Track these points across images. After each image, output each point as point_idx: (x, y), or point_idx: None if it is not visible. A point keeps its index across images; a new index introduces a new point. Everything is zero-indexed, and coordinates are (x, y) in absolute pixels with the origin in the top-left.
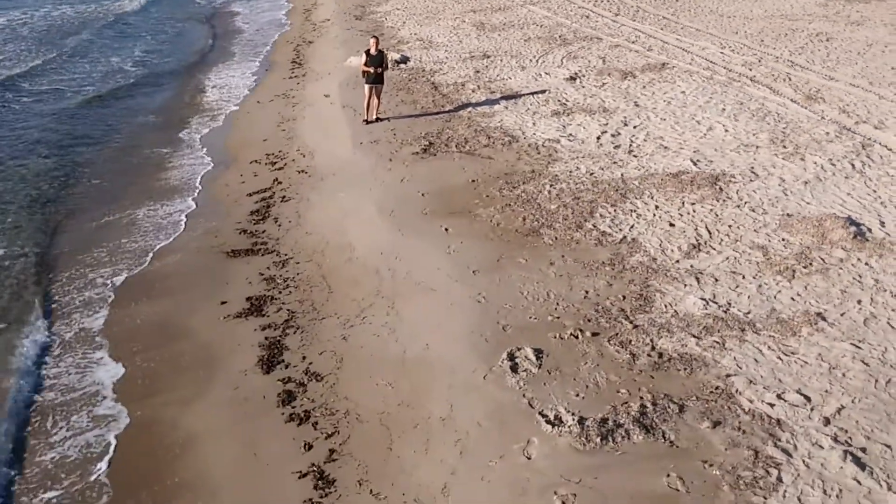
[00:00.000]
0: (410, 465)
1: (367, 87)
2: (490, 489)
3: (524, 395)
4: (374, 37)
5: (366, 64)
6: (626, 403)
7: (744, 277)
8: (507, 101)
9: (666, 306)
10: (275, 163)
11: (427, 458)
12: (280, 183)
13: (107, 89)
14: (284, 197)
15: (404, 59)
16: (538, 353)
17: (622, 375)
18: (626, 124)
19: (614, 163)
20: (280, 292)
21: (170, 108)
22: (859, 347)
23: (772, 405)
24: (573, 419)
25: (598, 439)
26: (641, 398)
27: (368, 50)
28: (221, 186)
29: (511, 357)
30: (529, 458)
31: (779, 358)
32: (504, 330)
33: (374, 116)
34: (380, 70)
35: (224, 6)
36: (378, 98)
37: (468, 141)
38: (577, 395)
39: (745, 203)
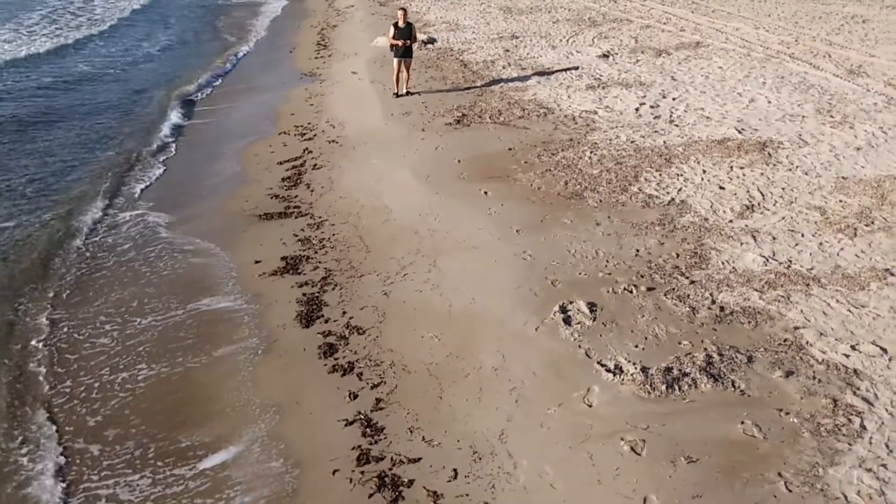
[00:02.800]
0: (463, 414)
1: (395, 60)
2: (550, 435)
3: (580, 346)
4: (402, 8)
5: (394, 37)
6: (689, 354)
7: (803, 235)
8: (539, 77)
9: (723, 263)
10: (304, 134)
11: (481, 406)
12: (311, 152)
13: (134, 71)
14: (316, 165)
15: (431, 41)
16: (591, 306)
17: (683, 328)
18: (664, 97)
19: (655, 131)
20: (316, 252)
21: (186, 81)
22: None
23: (847, 356)
24: (635, 368)
25: (664, 387)
26: (706, 349)
27: (396, 23)
28: (251, 156)
29: (563, 310)
30: (590, 406)
31: (849, 311)
32: (553, 285)
33: (405, 90)
34: (409, 43)
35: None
36: (408, 71)
37: (502, 113)
38: (637, 346)
39: (797, 167)
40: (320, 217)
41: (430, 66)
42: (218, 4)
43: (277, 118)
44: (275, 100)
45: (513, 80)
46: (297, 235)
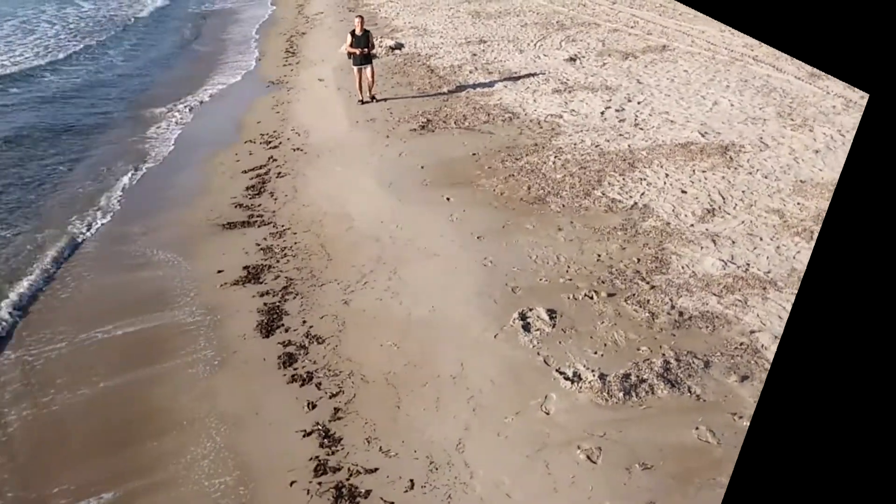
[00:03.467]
0: (421, 423)
1: (355, 69)
2: (507, 444)
3: (538, 353)
4: (359, 16)
5: (351, 45)
6: (647, 360)
7: (761, 239)
8: (506, 81)
9: (683, 267)
10: (269, 142)
11: (438, 415)
12: (275, 160)
13: (97, 79)
14: (280, 173)
15: (398, 46)
16: (551, 312)
17: (642, 334)
18: (629, 100)
19: (620, 135)
20: (277, 261)
21: (159, 96)
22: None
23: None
24: (593, 375)
25: (621, 394)
26: (664, 354)
27: (353, 31)
28: (216, 165)
29: (523, 317)
30: (548, 414)
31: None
32: (514, 291)
33: (369, 96)
34: (366, 51)
35: (219, 7)
36: (372, 77)
37: (467, 118)
38: (596, 353)
39: (757, 170)
40: (283, 226)
41: (397, 72)
42: (197, 12)
43: (243, 126)
44: (242, 108)
45: (480, 84)
46: (259, 245)
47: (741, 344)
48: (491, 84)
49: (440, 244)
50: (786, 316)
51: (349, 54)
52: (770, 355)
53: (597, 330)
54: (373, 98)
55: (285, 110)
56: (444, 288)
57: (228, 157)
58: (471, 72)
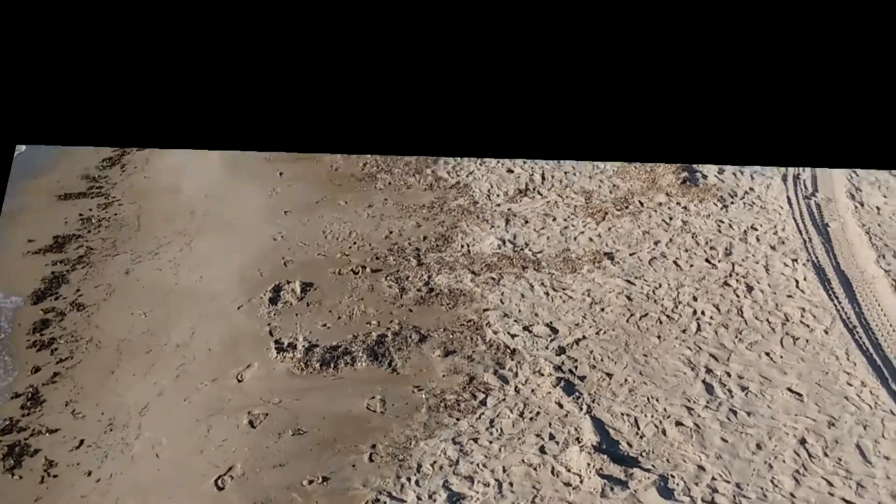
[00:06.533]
0: (123, 388)
1: None
2: (188, 409)
3: (268, 325)
4: None
5: None
6: (368, 333)
7: (554, 220)
8: None
9: (462, 246)
10: None
11: (144, 381)
12: None
13: None
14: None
15: None
16: (306, 286)
17: (381, 308)
18: None
19: None
20: (89, 231)
21: None
22: (632, 283)
23: (514, 336)
24: (303, 346)
25: (318, 364)
26: (389, 328)
27: None
28: None
29: (276, 290)
30: (240, 381)
31: (546, 293)
32: (285, 265)
33: None
34: None
35: None
36: None
37: None
38: (324, 325)
39: None
40: (115, 197)
41: None
42: None
43: None
44: None
45: None
46: (82, 215)
47: (468, 321)
48: None
49: (245, 219)
50: (528, 295)
51: None
52: (489, 332)
53: (341, 304)
54: None
55: None
56: (223, 259)
57: None
58: None
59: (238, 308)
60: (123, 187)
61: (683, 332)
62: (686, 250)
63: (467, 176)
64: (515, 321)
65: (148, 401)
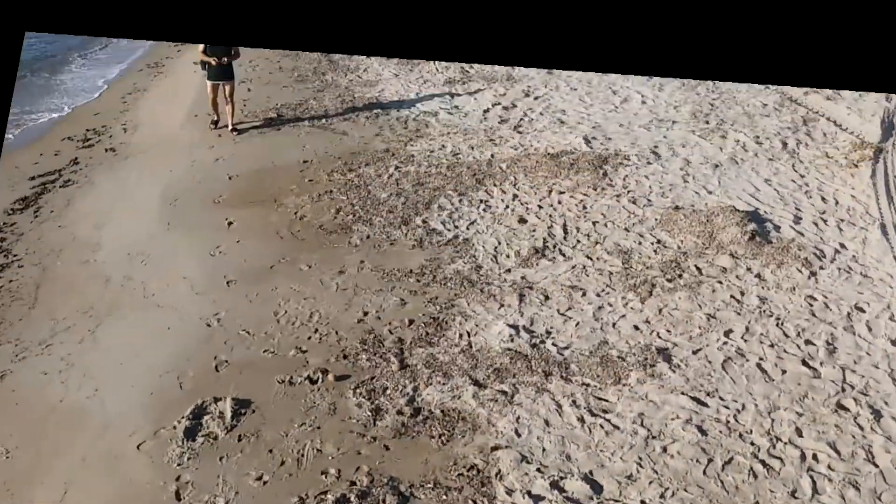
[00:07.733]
0: None
1: (209, 84)
2: None
3: (177, 479)
4: None
5: (205, 51)
6: (323, 494)
7: (584, 294)
8: (401, 68)
9: (461, 336)
10: (88, 139)
11: None
12: (77, 163)
13: None
14: (68, 181)
15: None
16: (241, 406)
17: (345, 446)
18: (527, 95)
19: (490, 140)
20: None
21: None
22: (703, 404)
23: (538, 499)
24: None
25: None
26: (354, 483)
27: None
28: (10, 168)
29: (197, 413)
30: None
31: (580, 419)
32: (217, 369)
33: (230, 124)
34: (226, 60)
35: None
36: (230, 101)
37: (328, 114)
38: (259, 479)
39: (628, 192)
40: (15, 255)
41: (287, 55)
42: None
43: (76, 118)
44: (91, 96)
45: (371, 69)
46: None
47: (472, 468)
48: (383, 70)
49: (174, 291)
50: (554, 422)
51: (202, 63)
52: (500, 489)
53: (287, 437)
54: (234, 129)
55: (133, 100)
56: (133, 358)
57: (29, 156)
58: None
59: (138, 447)
60: (30, 240)
61: (793, 495)
62: (772, 345)
63: (468, 228)
64: (539, 470)
65: None
